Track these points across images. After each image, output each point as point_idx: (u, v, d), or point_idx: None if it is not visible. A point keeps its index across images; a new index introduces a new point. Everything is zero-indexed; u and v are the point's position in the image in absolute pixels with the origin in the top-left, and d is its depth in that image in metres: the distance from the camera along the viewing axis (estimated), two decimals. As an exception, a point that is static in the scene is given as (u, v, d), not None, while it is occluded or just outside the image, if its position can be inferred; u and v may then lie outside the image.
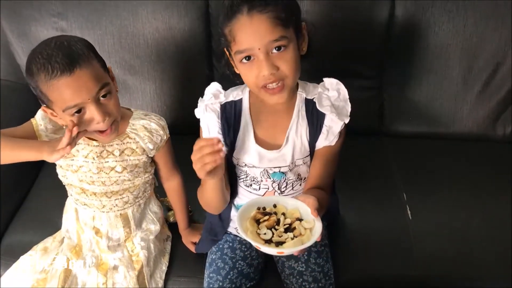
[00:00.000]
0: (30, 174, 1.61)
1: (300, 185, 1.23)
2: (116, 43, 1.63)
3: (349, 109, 1.15)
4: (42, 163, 1.61)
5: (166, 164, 1.32)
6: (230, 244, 1.31)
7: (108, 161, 1.22)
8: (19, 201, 1.54)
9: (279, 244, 0.98)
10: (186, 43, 1.63)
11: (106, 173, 1.23)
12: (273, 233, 0.99)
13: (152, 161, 1.30)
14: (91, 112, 1.08)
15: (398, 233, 1.44)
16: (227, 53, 1.12)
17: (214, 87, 1.20)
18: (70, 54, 1.04)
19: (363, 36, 1.66)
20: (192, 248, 1.38)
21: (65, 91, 1.04)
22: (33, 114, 1.76)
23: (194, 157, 0.99)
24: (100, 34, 1.60)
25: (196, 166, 1.00)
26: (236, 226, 1.27)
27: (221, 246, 1.31)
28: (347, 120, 1.15)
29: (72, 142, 1.06)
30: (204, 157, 0.98)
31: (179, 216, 1.40)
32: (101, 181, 1.23)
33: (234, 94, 1.19)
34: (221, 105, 1.18)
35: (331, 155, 1.18)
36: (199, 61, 1.68)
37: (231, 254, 1.28)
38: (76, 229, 1.32)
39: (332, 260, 1.31)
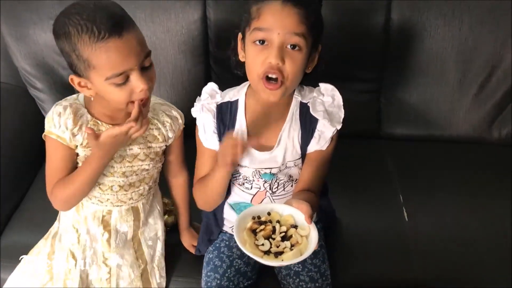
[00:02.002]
0: (27, 175, 1.61)
1: (292, 186, 1.23)
2: (114, 46, 1.63)
3: (342, 116, 1.16)
4: (40, 163, 1.62)
5: (178, 157, 1.29)
6: (227, 242, 1.31)
7: (132, 149, 1.17)
8: (16, 202, 1.54)
9: (277, 254, 0.99)
10: (183, 46, 1.64)
11: (129, 161, 1.17)
12: (270, 243, 1.00)
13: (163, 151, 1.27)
14: (135, 79, 1.01)
15: (395, 235, 1.44)
16: (240, 37, 1.12)
17: (210, 87, 1.20)
18: (114, 16, 0.98)
19: (360, 40, 1.67)
20: (192, 251, 1.38)
21: (113, 55, 0.97)
22: (32, 117, 1.75)
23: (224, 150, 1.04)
24: (98, 37, 1.61)
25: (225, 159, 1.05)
26: (231, 226, 1.28)
27: (217, 245, 1.31)
28: (339, 127, 1.16)
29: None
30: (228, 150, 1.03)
31: (183, 214, 1.38)
32: (121, 172, 1.17)
33: (230, 94, 1.20)
34: (217, 105, 1.18)
35: (322, 160, 1.19)
36: (197, 64, 1.68)
37: (228, 252, 1.29)
38: (76, 226, 1.24)
39: (330, 262, 1.31)
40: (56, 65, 1.66)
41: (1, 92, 1.72)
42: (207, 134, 1.19)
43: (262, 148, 1.18)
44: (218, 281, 1.23)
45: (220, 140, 1.19)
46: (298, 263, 1.26)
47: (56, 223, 1.32)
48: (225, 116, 1.18)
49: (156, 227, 1.31)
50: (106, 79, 0.99)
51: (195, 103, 1.20)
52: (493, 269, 1.36)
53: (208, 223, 1.34)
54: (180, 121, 1.24)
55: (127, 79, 1.01)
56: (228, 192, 1.26)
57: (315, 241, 0.98)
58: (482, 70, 1.69)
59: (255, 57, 1.05)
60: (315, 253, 1.27)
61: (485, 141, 1.78)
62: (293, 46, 1.03)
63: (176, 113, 1.23)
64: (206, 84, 1.21)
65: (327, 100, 1.16)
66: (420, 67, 1.70)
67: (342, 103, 1.16)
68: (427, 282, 1.34)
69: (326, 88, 1.17)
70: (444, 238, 1.43)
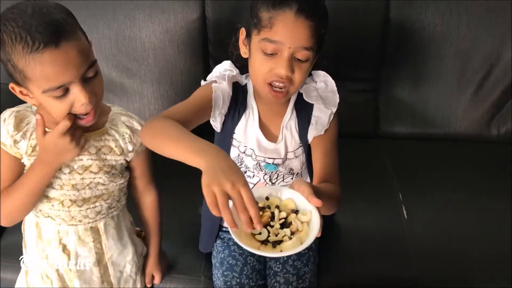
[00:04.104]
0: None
1: (292, 178, 1.23)
2: (113, 46, 1.64)
3: (337, 100, 1.16)
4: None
5: (143, 174, 1.18)
6: (234, 240, 1.29)
7: (82, 159, 1.06)
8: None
9: (276, 244, 0.91)
10: (182, 45, 1.65)
11: (79, 173, 1.06)
12: (268, 232, 0.92)
13: (128, 167, 1.16)
14: (76, 92, 0.93)
15: (394, 234, 1.44)
16: (244, 34, 1.11)
17: (228, 63, 1.19)
18: (53, 23, 0.88)
19: (359, 39, 1.67)
20: (148, 281, 1.28)
21: (49, 68, 0.88)
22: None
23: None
24: (97, 38, 1.61)
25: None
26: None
27: (226, 244, 1.30)
28: (334, 109, 1.16)
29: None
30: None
31: (153, 238, 1.25)
32: (71, 184, 1.06)
33: (240, 79, 1.20)
34: (233, 82, 1.18)
35: (328, 145, 1.17)
36: (196, 63, 1.69)
37: (238, 250, 1.28)
38: (40, 248, 1.13)
39: (327, 262, 1.32)
40: (55, 65, 1.67)
41: (1, 92, 1.72)
42: (224, 104, 1.13)
43: (269, 138, 1.18)
44: (238, 280, 1.23)
45: (226, 118, 1.16)
46: (279, 263, 1.26)
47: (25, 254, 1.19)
48: (237, 96, 1.17)
49: (125, 252, 1.20)
50: (43, 92, 0.92)
51: (217, 68, 1.19)
52: (493, 268, 1.37)
53: (212, 217, 1.30)
54: None
55: (67, 91, 0.93)
56: None
57: (317, 227, 0.90)
58: (480, 68, 1.70)
59: (262, 63, 1.06)
60: (299, 255, 1.26)
61: (484, 139, 1.78)
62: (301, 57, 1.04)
63: (138, 124, 1.11)
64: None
65: (320, 86, 1.18)
66: (418, 65, 1.70)
67: (335, 88, 1.17)
68: (426, 281, 1.34)
69: (318, 75, 1.19)
70: (443, 236, 1.43)
